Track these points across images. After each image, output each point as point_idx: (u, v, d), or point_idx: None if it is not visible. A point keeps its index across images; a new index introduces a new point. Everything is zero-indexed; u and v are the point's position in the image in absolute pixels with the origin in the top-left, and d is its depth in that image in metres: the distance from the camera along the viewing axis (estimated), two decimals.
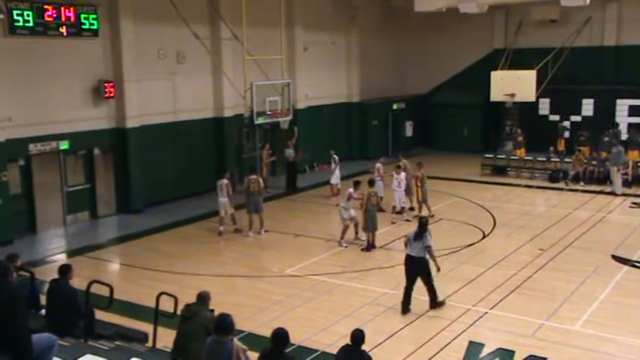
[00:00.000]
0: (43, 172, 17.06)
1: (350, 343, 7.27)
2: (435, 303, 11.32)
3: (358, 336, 7.26)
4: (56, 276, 8.62)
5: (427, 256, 11.13)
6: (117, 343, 8.54)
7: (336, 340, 9.67)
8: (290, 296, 12.26)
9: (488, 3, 23.30)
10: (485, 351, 9.87)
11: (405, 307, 11.22)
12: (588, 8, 23.45)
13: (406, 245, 11.34)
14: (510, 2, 25.41)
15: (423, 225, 11.22)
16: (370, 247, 15.05)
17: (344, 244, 15.34)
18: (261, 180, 17.20)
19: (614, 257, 14.30)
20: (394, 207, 17.90)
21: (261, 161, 21.24)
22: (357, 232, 15.71)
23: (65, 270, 8.58)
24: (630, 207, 19.22)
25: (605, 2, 25.40)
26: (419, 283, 11.27)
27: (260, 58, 19.12)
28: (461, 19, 25.89)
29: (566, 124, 26.11)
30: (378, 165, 19.09)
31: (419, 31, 29.59)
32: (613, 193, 20.57)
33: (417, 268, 11.14)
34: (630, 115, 25.39)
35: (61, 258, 14.80)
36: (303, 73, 24.35)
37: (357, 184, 15.72)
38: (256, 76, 18.80)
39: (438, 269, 11.32)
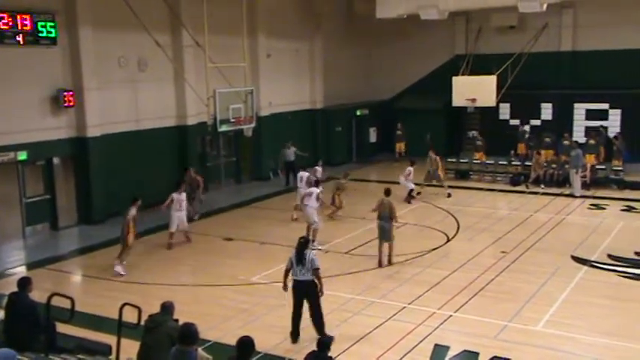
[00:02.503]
0: (1, 183, 16.66)
1: (317, 350, 7.28)
2: (322, 334, 10.02)
3: (324, 342, 7.29)
4: (15, 289, 8.44)
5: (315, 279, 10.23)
6: (79, 356, 8.41)
7: (302, 347, 9.67)
8: (256, 304, 12.20)
9: (449, 9, 23.66)
10: (451, 353, 9.97)
11: (295, 336, 10.37)
12: (545, 14, 23.98)
13: (288, 271, 10.36)
14: (470, 9, 25.84)
15: (302, 245, 10.31)
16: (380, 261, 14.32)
17: (319, 247, 15.35)
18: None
19: (574, 258, 14.62)
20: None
21: (196, 184, 18.55)
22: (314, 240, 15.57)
23: (24, 283, 8.42)
24: (589, 208, 19.68)
25: (561, 9, 26.01)
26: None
27: (223, 66, 19.03)
28: (422, 26, 26.22)
29: (526, 128, 26.66)
30: (410, 169, 20.75)
31: (382, 37, 29.89)
32: (572, 195, 21.04)
33: (304, 292, 10.26)
34: (587, 118, 26.07)
35: (21, 271, 14.46)
36: (266, 81, 24.34)
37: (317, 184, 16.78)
38: (219, 83, 18.71)
39: (322, 293, 10.34)
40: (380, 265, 14.19)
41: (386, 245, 14.28)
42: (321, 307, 10.37)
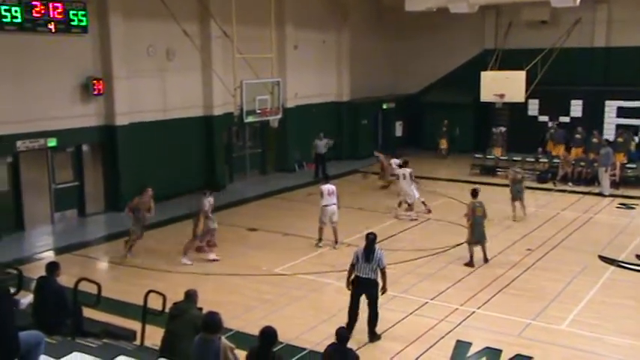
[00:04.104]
0: (31, 170, 16.95)
1: (336, 342, 7.28)
2: (374, 334, 10.16)
3: (342, 334, 7.28)
4: (44, 273, 8.57)
5: (379, 279, 10.05)
6: (105, 340, 8.52)
7: (324, 339, 9.65)
8: (279, 295, 12.26)
9: (479, 3, 23.37)
10: (473, 350, 9.92)
11: (351, 329, 9.96)
12: (578, 9, 23.58)
13: (353, 266, 10.08)
14: (501, 3, 25.50)
15: (372, 242, 10.03)
16: (472, 262, 13.87)
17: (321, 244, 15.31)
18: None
19: (601, 257, 14.41)
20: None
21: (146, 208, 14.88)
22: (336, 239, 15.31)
23: (53, 267, 8.54)
24: (617, 208, 19.36)
25: (595, 3, 25.54)
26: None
27: (250, 57, 19.07)
28: (452, 19, 25.93)
29: (551, 124, 26.28)
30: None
31: (410, 30, 29.63)
32: (601, 194, 20.71)
33: (367, 291, 10.02)
34: (619, 116, 25.58)
35: (49, 256, 14.69)
36: (293, 72, 24.32)
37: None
38: (246, 74, 18.73)
39: (385, 291, 10.21)
40: (471, 265, 13.82)
41: (479, 247, 14.01)
42: (377, 308, 10.19)
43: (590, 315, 11.23)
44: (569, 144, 24.03)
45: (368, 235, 10.20)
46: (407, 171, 18.05)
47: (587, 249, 15.00)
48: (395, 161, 20.19)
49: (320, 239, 15.31)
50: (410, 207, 18.01)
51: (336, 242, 15.25)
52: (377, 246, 10.13)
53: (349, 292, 10.30)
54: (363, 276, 9.98)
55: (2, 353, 5.45)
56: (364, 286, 10.03)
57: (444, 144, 27.89)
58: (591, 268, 13.68)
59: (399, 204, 18.15)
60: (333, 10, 26.68)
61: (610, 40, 26.19)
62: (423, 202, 18.36)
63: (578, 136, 23.99)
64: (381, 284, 10.13)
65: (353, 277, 10.16)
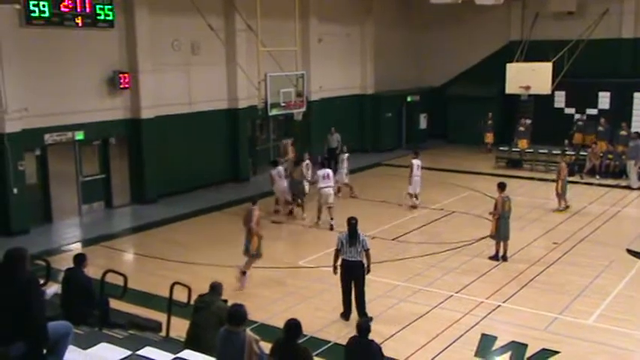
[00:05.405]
0: (59, 162, 17.20)
1: (357, 335, 7.29)
2: (364, 314, 10.32)
3: (363, 327, 7.28)
4: (71, 265, 8.70)
5: (364, 260, 10.38)
6: (131, 331, 8.64)
7: (348, 332, 9.66)
8: (302, 287, 12.30)
9: None
10: (498, 344, 9.86)
11: (347, 315, 10.62)
12: (606, 0, 23.14)
13: (339, 251, 10.47)
14: None
15: (354, 226, 10.41)
16: (498, 257, 13.68)
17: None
18: None
19: (629, 251, 14.21)
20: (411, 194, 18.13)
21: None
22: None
23: (80, 259, 8.66)
24: None
25: None
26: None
27: (274, 50, 19.10)
28: (477, 11, 25.68)
29: (578, 116, 25.89)
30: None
31: (434, 22, 29.39)
32: (629, 187, 20.39)
33: (354, 273, 10.39)
34: None
35: (76, 247, 14.92)
36: (317, 65, 24.29)
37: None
38: (270, 67, 18.76)
39: (369, 271, 10.53)
40: (497, 259, 13.66)
41: (502, 243, 13.74)
42: (363, 289, 10.50)
43: (617, 310, 11.08)
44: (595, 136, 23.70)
45: (350, 220, 10.52)
46: (418, 162, 18.03)
47: (615, 243, 14.78)
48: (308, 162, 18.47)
49: (319, 217, 16.38)
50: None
51: (331, 220, 15.99)
52: (359, 231, 10.44)
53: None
54: (350, 259, 10.35)
55: (32, 343, 5.54)
56: (352, 269, 10.38)
57: (489, 138, 27.16)
58: (619, 262, 13.48)
59: (411, 195, 18.12)
60: (356, 2, 26.55)
61: (638, 31, 25.68)
62: (409, 195, 18.13)
63: (600, 128, 23.64)
64: (366, 264, 10.43)
65: (340, 262, 10.50)
